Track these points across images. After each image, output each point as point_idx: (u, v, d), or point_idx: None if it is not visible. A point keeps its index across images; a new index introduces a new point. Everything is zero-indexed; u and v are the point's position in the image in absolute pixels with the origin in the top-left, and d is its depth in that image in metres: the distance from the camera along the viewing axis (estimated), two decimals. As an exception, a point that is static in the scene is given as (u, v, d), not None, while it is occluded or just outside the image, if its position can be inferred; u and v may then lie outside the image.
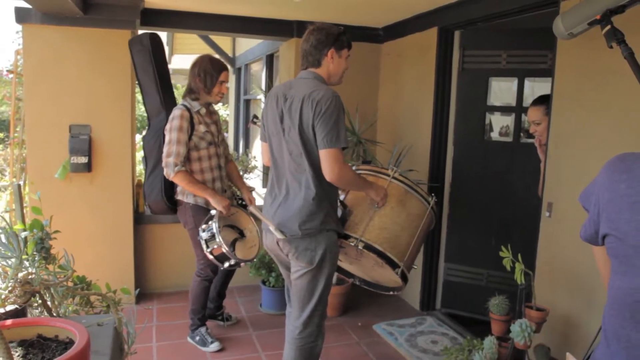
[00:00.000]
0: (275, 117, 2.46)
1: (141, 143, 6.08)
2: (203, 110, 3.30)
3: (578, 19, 1.83)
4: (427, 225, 2.74)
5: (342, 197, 2.69)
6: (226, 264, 3.11)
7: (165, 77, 3.82)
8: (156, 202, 3.54)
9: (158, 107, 3.74)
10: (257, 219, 2.63)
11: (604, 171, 1.19)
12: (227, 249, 3.03)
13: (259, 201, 3.19)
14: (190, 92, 3.30)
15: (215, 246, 3.06)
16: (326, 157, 2.31)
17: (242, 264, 3.18)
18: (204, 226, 3.13)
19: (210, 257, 3.11)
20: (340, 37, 2.46)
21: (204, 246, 3.10)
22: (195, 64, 3.29)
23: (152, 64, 3.69)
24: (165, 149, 3.17)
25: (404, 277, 2.59)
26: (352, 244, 2.51)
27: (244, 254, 3.18)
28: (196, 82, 3.26)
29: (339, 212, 2.60)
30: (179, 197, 3.34)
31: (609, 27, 1.63)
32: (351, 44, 2.52)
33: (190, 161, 3.24)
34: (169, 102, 3.66)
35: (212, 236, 3.06)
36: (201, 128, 3.23)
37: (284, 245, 2.46)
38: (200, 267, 3.38)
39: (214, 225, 3.06)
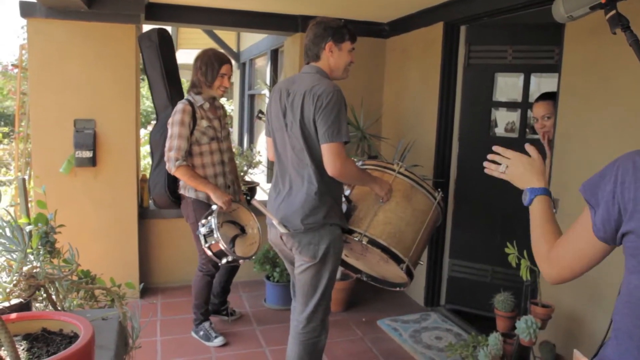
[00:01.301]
0: (278, 113, 2.46)
1: (146, 138, 6.08)
2: (206, 105, 3.29)
3: (580, 1, 1.79)
4: (433, 221, 2.72)
5: (347, 192, 2.69)
6: (224, 260, 3.08)
7: (172, 72, 3.82)
8: (160, 196, 3.57)
9: (165, 101, 3.74)
10: (260, 214, 2.63)
11: (623, 168, 1.12)
12: (224, 245, 3.00)
13: (265, 196, 3.19)
14: (193, 86, 3.30)
15: (213, 242, 3.04)
16: (328, 152, 2.30)
17: (241, 261, 3.17)
18: (203, 221, 3.11)
19: (209, 252, 3.09)
20: (340, 29, 2.44)
21: (202, 241, 3.09)
22: (197, 58, 3.29)
23: (160, 59, 3.70)
24: (167, 143, 3.17)
25: (409, 273, 2.58)
26: (356, 239, 2.50)
27: (243, 251, 3.15)
28: (198, 76, 3.26)
29: (344, 207, 2.60)
30: (182, 191, 3.34)
31: (613, 12, 1.60)
32: (355, 37, 2.50)
33: (192, 156, 3.24)
34: (175, 97, 3.67)
35: (211, 232, 3.03)
36: (203, 123, 3.23)
37: (287, 240, 2.46)
38: (202, 262, 3.38)
39: (212, 220, 3.04)
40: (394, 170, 2.64)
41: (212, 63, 3.21)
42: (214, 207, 3.14)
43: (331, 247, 2.41)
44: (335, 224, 2.44)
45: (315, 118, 2.30)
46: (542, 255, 1.31)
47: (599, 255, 1.19)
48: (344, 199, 2.62)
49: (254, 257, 3.23)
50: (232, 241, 3.12)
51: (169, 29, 4.27)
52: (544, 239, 1.31)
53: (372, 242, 2.49)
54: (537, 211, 1.36)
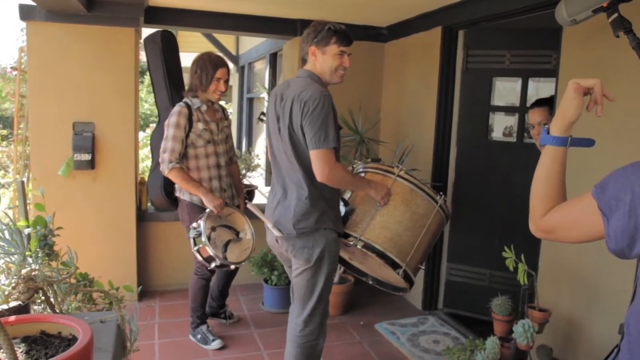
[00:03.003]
0: (273, 117, 2.48)
1: (145, 140, 6.09)
2: (204, 108, 3.29)
3: (583, 5, 1.79)
4: (435, 225, 2.67)
5: (347, 195, 2.69)
6: (213, 264, 3.06)
7: (174, 74, 3.84)
8: (156, 197, 3.59)
9: (166, 103, 3.77)
10: (256, 218, 2.63)
11: (637, 179, 1.06)
12: (212, 250, 2.97)
13: (263, 200, 3.19)
14: (189, 89, 3.31)
15: (201, 245, 3.02)
16: (315, 158, 2.30)
17: (232, 266, 3.15)
18: (194, 224, 3.09)
19: (198, 256, 3.07)
20: (323, 33, 2.40)
21: (192, 244, 3.07)
22: (194, 62, 3.30)
23: (162, 61, 3.72)
24: (162, 145, 3.18)
25: (408, 278, 2.57)
26: (352, 243, 2.50)
27: (237, 256, 3.13)
28: (194, 79, 3.27)
29: (342, 210, 2.60)
30: (177, 194, 3.35)
31: (615, 15, 1.60)
32: (346, 40, 2.43)
33: (188, 158, 3.24)
34: (176, 98, 3.69)
35: (199, 235, 3.02)
36: (199, 126, 3.23)
37: (282, 243, 2.48)
38: (197, 266, 3.38)
39: (201, 223, 3.03)
40: (394, 174, 2.63)
41: (207, 67, 3.22)
42: (206, 210, 3.14)
43: (325, 252, 2.42)
44: (329, 229, 2.44)
45: (302, 124, 2.31)
46: (534, 215, 1.28)
47: (594, 239, 1.17)
48: (341, 202, 2.63)
49: (243, 263, 3.20)
50: (225, 246, 3.11)
51: (168, 32, 4.30)
52: (542, 196, 1.27)
53: (368, 247, 2.48)
54: (546, 159, 1.30)
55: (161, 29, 3.92)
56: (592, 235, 1.16)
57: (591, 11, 1.75)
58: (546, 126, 1.30)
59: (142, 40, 4.27)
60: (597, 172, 2.61)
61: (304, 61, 2.49)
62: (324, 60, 2.42)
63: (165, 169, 3.13)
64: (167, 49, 3.80)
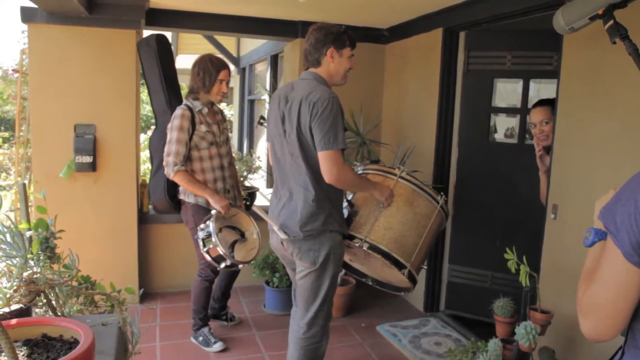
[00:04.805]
0: (277, 119, 2.47)
1: (146, 143, 6.08)
2: (205, 110, 3.30)
3: (579, 13, 1.80)
4: (436, 225, 2.70)
5: (350, 196, 2.69)
6: (222, 265, 3.07)
7: (171, 77, 3.83)
8: (159, 201, 3.57)
9: (164, 107, 3.75)
10: (260, 219, 2.63)
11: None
12: (223, 250, 2.99)
13: (264, 202, 3.19)
14: (191, 91, 3.31)
15: (211, 246, 3.03)
16: (324, 159, 2.31)
17: (240, 266, 3.16)
18: (202, 225, 3.10)
19: (207, 257, 3.08)
20: (341, 36, 2.44)
21: (201, 245, 3.08)
22: (195, 64, 3.30)
23: (158, 64, 3.70)
24: (165, 148, 3.18)
25: (412, 278, 2.57)
26: (357, 245, 2.50)
27: (243, 256, 3.14)
28: (196, 82, 3.27)
29: (346, 212, 2.60)
30: (181, 196, 3.34)
31: (611, 22, 1.62)
32: (355, 43, 2.50)
33: (192, 160, 3.24)
34: (174, 102, 3.68)
35: (209, 236, 3.03)
36: (202, 128, 3.23)
37: (287, 246, 2.47)
38: (201, 267, 3.38)
39: (211, 224, 3.04)
40: (395, 175, 2.64)
41: (210, 69, 3.22)
42: (213, 211, 3.15)
43: (331, 254, 2.42)
44: (335, 231, 2.44)
45: (311, 125, 2.31)
46: (577, 301, 1.14)
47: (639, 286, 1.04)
48: (346, 204, 2.63)
49: (252, 262, 3.22)
50: (232, 246, 3.12)
51: (169, 34, 4.30)
52: (585, 283, 1.14)
53: (373, 248, 2.49)
54: (596, 255, 1.16)
55: (155, 33, 3.91)
56: (635, 277, 1.04)
57: (588, 19, 1.77)
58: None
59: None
60: (598, 174, 2.62)
61: (316, 62, 2.45)
62: (340, 62, 2.45)
63: (170, 172, 3.14)
64: (162, 52, 3.80)
